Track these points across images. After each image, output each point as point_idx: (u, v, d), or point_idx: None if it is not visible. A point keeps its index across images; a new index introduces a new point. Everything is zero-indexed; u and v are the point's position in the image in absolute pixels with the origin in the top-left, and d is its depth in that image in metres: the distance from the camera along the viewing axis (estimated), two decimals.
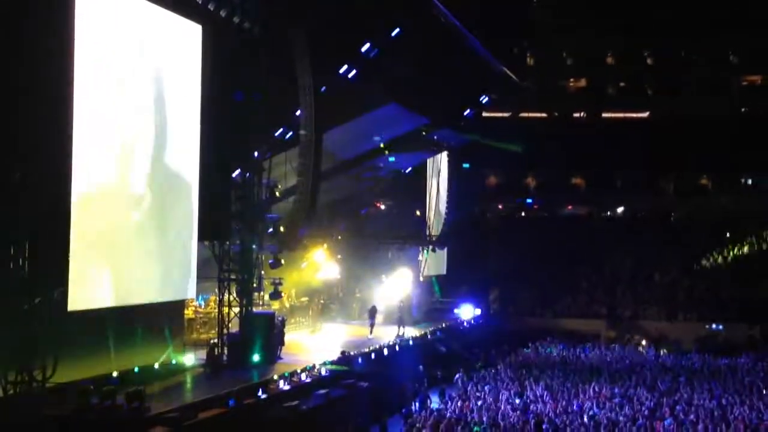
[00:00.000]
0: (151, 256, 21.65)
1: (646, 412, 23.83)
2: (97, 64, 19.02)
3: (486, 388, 28.02)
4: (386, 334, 33.40)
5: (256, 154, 26.09)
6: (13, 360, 17.38)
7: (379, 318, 35.17)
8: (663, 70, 52.46)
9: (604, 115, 53.82)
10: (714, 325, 44.37)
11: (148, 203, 21.30)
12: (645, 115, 54.02)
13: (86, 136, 18.67)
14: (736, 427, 22.08)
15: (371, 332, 33.66)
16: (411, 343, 33.25)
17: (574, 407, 24.49)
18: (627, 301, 47.24)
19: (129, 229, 20.65)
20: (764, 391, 28.18)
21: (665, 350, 40.04)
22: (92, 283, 19.09)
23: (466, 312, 42.79)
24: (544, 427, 21.47)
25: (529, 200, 54.75)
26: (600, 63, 52.85)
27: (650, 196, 52.86)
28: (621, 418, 22.82)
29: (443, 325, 39.38)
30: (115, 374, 20.15)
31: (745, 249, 49.78)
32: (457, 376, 31.21)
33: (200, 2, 22.64)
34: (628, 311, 46.53)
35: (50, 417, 16.97)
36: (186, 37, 22.92)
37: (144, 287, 21.36)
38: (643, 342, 43.71)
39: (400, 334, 33.98)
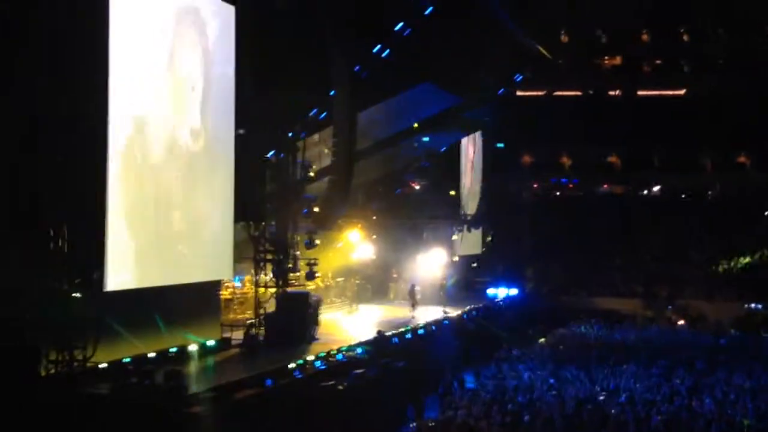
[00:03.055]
0: (189, 237, 21.76)
1: (684, 392, 23.66)
2: (132, 46, 19.10)
3: (521, 368, 27.94)
4: (426, 314, 33.43)
5: (290, 134, 26.10)
6: (54, 340, 17.58)
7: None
8: (699, 46, 51.68)
9: (640, 92, 53.19)
10: (753, 305, 43.86)
11: (185, 185, 21.39)
12: (681, 92, 53.33)
13: (122, 116, 18.77)
14: None
15: (414, 311, 33.76)
16: (447, 322, 33.25)
17: (611, 387, 24.37)
18: (664, 280, 46.83)
19: (167, 210, 20.75)
20: None
21: (703, 330, 39.66)
22: (130, 264, 19.23)
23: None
24: (582, 407, 21.36)
25: (564, 179, 54.32)
26: (635, 40, 52.13)
27: (687, 175, 52.23)
28: (658, 398, 22.68)
29: (479, 304, 39.32)
30: (152, 354, 20.33)
31: None
32: (514, 352, 31.09)
33: None
34: (664, 290, 46.13)
35: (91, 396, 17.16)
36: (219, 18, 22.92)
37: (182, 268, 21.47)
38: (681, 321, 43.37)
39: (446, 311, 34.09)
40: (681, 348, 33.03)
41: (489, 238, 47.78)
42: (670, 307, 44.64)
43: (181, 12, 21.21)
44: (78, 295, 17.95)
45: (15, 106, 17.30)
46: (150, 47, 19.87)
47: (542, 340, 35.61)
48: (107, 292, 18.35)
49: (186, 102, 21.47)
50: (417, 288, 35.89)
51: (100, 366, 18.39)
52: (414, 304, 34.46)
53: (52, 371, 17.47)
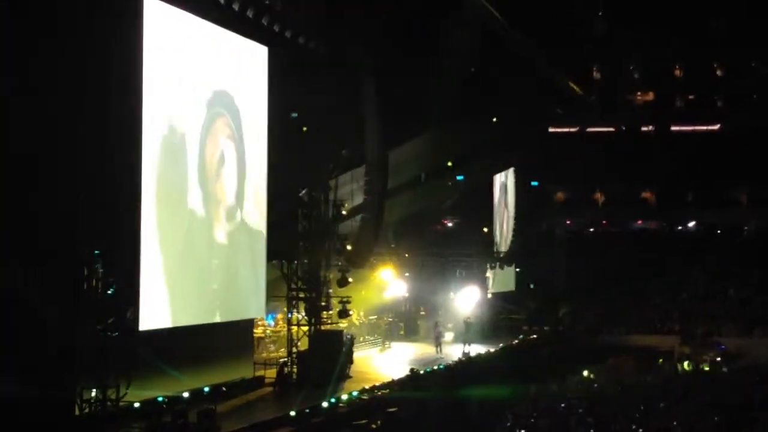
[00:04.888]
0: (222, 276, 21.87)
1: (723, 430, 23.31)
2: (164, 85, 19.35)
3: (556, 407, 27.62)
4: (455, 352, 33.24)
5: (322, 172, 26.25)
6: (88, 379, 17.65)
7: (447, 336, 35.09)
8: (732, 81, 51.42)
9: (673, 128, 52.94)
10: None
11: (218, 223, 21.54)
12: (715, 127, 53.01)
13: (155, 155, 18.97)
14: None
15: (440, 350, 33.55)
16: (478, 360, 33.00)
17: (649, 424, 24.02)
18: (700, 316, 46.26)
19: (200, 248, 20.88)
20: None
21: (741, 366, 39.06)
22: (163, 303, 19.33)
23: None
24: None
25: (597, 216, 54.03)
26: (668, 75, 51.99)
27: (722, 210, 51.79)
28: None
29: (513, 341, 39.05)
30: (185, 394, 20.35)
31: None
32: (550, 389, 30.74)
33: (266, 24, 22.93)
34: (701, 327, 45.55)
35: None
36: (252, 58, 23.20)
37: (215, 306, 21.57)
38: (718, 359, 42.71)
39: (466, 351, 33.80)
40: (719, 385, 32.56)
41: (531, 286, 47.53)
42: (722, 347, 43.74)
43: (215, 51, 21.50)
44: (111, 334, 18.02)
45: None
46: (184, 88, 20.15)
47: (580, 376, 35.22)
48: (141, 331, 18.42)
49: (217, 141, 21.70)
50: (448, 324, 35.62)
51: (134, 405, 18.43)
52: (438, 344, 34.25)
53: (86, 411, 17.50)
